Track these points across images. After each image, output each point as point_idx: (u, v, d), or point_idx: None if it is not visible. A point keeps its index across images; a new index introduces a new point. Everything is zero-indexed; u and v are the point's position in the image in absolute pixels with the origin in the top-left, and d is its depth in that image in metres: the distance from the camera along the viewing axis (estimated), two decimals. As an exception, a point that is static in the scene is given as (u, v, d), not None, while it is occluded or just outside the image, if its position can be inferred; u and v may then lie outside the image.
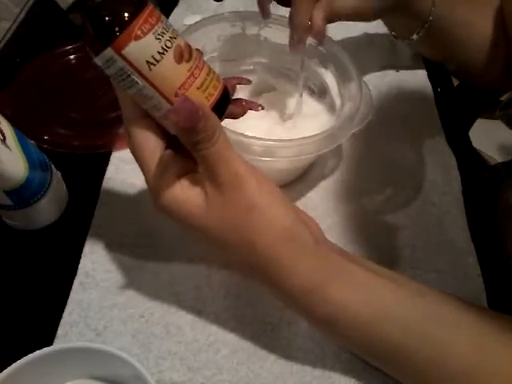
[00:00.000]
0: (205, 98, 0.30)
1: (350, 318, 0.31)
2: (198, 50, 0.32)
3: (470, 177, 0.50)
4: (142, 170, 0.31)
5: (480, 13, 0.51)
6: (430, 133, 0.54)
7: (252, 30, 0.48)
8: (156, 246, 0.42)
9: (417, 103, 0.57)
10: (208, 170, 0.29)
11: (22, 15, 0.63)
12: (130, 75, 0.28)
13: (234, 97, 0.34)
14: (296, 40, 0.42)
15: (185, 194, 0.30)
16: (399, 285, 0.32)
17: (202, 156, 0.29)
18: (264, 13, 0.44)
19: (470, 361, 0.31)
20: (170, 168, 0.30)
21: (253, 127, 0.37)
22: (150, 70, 0.27)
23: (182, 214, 0.30)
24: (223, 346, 0.37)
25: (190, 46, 0.30)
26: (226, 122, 0.33)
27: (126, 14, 0.27)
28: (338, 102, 0.47)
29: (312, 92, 0.50)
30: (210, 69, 0.31)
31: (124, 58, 0.27)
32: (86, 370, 0.33)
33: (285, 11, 0.64)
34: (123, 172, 0.47)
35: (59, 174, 0.44)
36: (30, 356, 0.30)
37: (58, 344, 0.36)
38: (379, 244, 0.44)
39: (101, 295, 0.39)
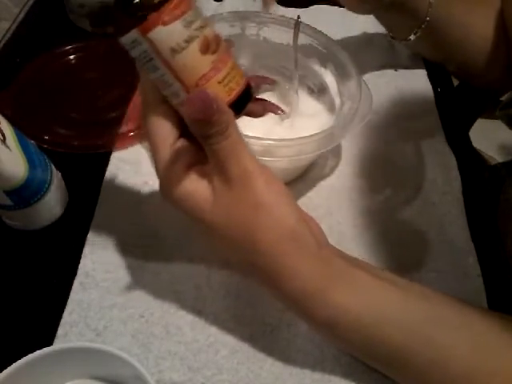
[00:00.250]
0: (225, 93, 0.30)
1: (351, 321, 0.31)
2: (228, 40, 0.32)
3: (470, 177, 0.50)
4: (153, 154, 0.30)
5: (478, 14, 0.51)
6: (430, 133, 0.54)
7: (251, 30, 0.48)
8: (156, 245, 0.42)
9: (417, 103, 0.57)
10: (218, 164, 0.29)
11: (22, 15, 0.63)
12: (152, 59, 0.28)
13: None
14: None
15: (193, 184, 0.30)
16: (400, 287, 0.32)
17: (212, 150, 0.29)
18: (266, 3, 0.45)
19: (470, 363, 0.30)
20: (180, 156, 0.30)
21: (252, 127, 0.37)
22: (173, 57, 0.27)
23: (188, 204, 0.30)
24: (223, 346, 0.37)
25: (219, 39, 0.29)
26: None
27: None
28: (337, 101, 0.47)
29: (311, 91, 0.50)
30: (235, 64, 0.30)
31: (149, 42, 0.27)
32: (85, 370, 0.33)
33: (285, 11, 0.64)
34: (123, 172, 0.47)
35: (59, 174, 0.44)
36: (30, 356, 0.30)
37: (58, 344, 0.36)
38: (379, 244, 0.44)
39: (101, 295, 0.39)
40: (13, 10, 0.63)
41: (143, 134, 0.31)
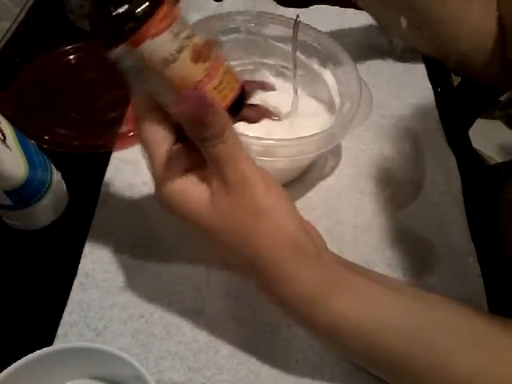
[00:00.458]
0: (220, 99, 0.30)
1: (350, 328, 0.31)
2: (216, 41, 0.32)
3: (470, 177, 0.50)
4: (149, 161, 0.30)
5: (471, 10, 0.51)
6: (430, 133, 0.54)
7: (251, 30, 0.48)
8: (156, 246, 0.42)
9: (417, 103, 0.57)
10: (216, 169, 0.29)
11: (22, 15, 0.63)
12: (143, 71, 0.28)
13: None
14: None
15: (190, 189, 0.30)
16: (399, 293, 0.32)
17: (210, 153, 0.29)
18: None
19: (471, 368, 0.30)
20: (177, 161, 0.30)
21: (252, 127, 0.37)
22: (166, 67, 0.27)
23: (184, 209, 0.30)
24: (223, 347, 0.37)
25: (209, 46, 0.29)
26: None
27: (144, 11, 0.26)
28: (337, 101, 0.47)
29: (311, 91, 0.50)
30: (228, 69, 0.30)
31: (139, 55, 0.27)
32: (86, 370, 0.33)
33: (285, 11, 0.64)
34: (123, 172, 0.47)
35: (59, 174, 0.44)
36: (30, 356, 0.30)
37: (58, 344, 0.36)
38: (379, 244, 0.44)
39: (101, 295, 0.39)
40: (13, 10, 0.63)
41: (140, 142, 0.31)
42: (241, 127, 0.39)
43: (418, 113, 0.56)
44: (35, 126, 0.48)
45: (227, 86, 0.30)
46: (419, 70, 0.61)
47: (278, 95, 0.49)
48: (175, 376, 0.35)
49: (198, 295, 0.39)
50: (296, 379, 0.36)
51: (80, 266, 0.40)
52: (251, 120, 0.34)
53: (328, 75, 0.48)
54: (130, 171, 0.47)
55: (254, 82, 0.34)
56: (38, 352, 0.31)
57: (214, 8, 0.66)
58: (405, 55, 0.62)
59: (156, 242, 0.42)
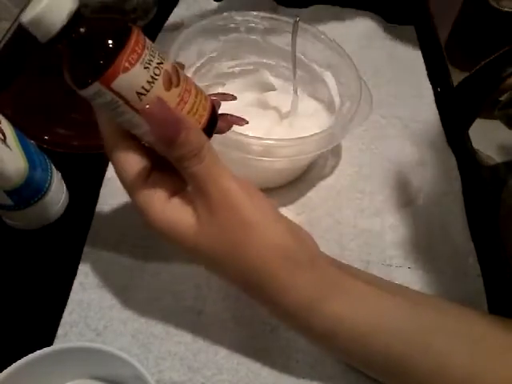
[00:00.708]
0: (196, 121, 0.29)
1: (347, 330, 0.31)
2: (179, 63, 0.32)
3: (470, 177, 0.50)
4: (128, 192, 0.30)
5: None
6: (430, 133, 0.54)
7: (251, 30, 0.48)
8: (156, 246, 0.42)
9: (417, 103, 0.57)
10: (197, 189, 0.29)
11: (22, 15, 0.63)
12: (118, 106, 0.27)
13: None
14: None
15: (175, 215, 0.29)
16: (396, 295, 0.32)
17: (190, 174, 0.28)
18: None
19: (469, 369, 0.30)
20: (158, 189, 0.29)
21: (252, 127, 0.37)
22: (141, 100, 0.27)
23: (173, 235, 0.29)
24: (223, 347, 0.37)
25: (176, 69, 0.28)
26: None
27: (112, 46, 0.25)
28: (337, 101, 0.47)
29: (311, 91, 0.50)
30: (197, 89, 0.30)
31: (113, 91, 0.26)
32: (86, 370, 0.33)
33: (285, 11, 0.64)
34: (123, 172, 0.47)
35: (59, 174, 0.44)
36: (30, 356, 0.30)
37: (58, 344, 0.36)
38: (379, 244, 0.44)
39: (101, 295, 0.39)
40: (13, 10, 0.63)
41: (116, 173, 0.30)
42: (241, 127, 0.39)
43: (418, 113, 0.56)
44: (35, 126, 0.48)
45: (200, 107, 0.29)
46: (419, 70, 0.61)
47: (278, 95, 0.49)
48: (175, 376, 0.35)
49: (198, 295, 0.39)
50: (296, 379, 0.36)
51: (80, 265, 0.40)
52: (222, 131, 0.33)
53: (328, 75, 0.48)
54: (129, 171, 0.47)
55: (217, 94, 0.34)
56: (38, 352, 0.31)
57: (213, 8, 0.66)
58: (407, 58, 0.62)
59: (156, 242, 0.42)
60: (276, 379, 0.36)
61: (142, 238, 0.42)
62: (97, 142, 0.49)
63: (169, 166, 0.29)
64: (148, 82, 0.26)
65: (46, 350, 0.31)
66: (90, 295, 0.39)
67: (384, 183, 0.49)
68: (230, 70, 0.50)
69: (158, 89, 0.27)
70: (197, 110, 0.29)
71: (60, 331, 0.37)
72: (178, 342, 0.37)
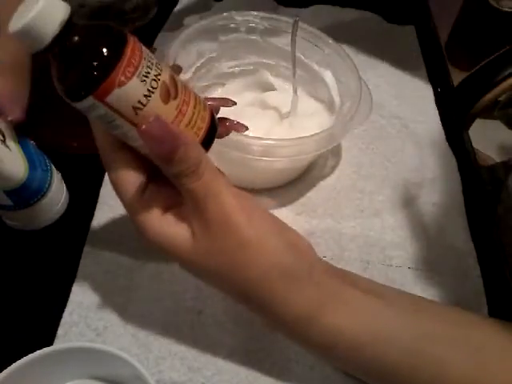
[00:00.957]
0: (194, 134, 0.28)
1: (346, 341, 0.30)
2: (176, 66, 0.31)
3: (470, 177, 0.50)
4: (123, 203, 0.29)
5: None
6: (430, 133, 0.54)
7: (251, 30, 0.48)
8: (156, 246, 0.42)
9: (417, 103, 0.57)
10: (194, 206, 0.28)
11: (22, 15, 0.63)
12: (114, 120, 0.26)
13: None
14: None
15: (170, 230, 0.29)
16: (394, 303, 0.32)
17: (187, 191, 0.27)
18: None
19: (468, 377, 0.30)
20: (152, 203, 0.28)
21: (252, 127, 0.37)
22: (137, 114, 0.25)
23: (169, 250, 0.29)
24: (223, 347, 0.37)
25: (175, 79, 0.27)
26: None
27: (108, 58, 0.24)
28: (337, 101, 0.47)
29: (311, 91, 0.50)
30: (196, 98, 0.28)
31: (107, 106, 0.25)
32: (85, 370, 0.33)
33: (285, 11, 0.64)
34: (123, 172, 0.47)
35: (59, 174, 0.44)
36: (30, 356, 0.30)
37: (58, 344, 0.36)
38: (379, 244, 0.44)
39: (101, 295, 0.39)
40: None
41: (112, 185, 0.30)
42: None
43: (418, 113, 0.56)
44: (36, 127, 0.48)
45: (198, 118, 0.28)
46: (419, 70, 0.61)
47: (278, 95, 0.49)
48: (175, 376, 0.35)
49: (199, 295, 0.39)
50: (295, 380, 0.36)
51: (80, 266, 0.40)
52: (220, 136, 0.32)
53: (328, 75, 0.48)
54: (129, 171, 0.47)
55: (215, 99, 0.33)
56: (37, 352, 0.31)
57: (214, 8, 0.66)
58: (407, 58, 0.62)
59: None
60: (276, 380, 0.36)
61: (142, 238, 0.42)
62: (92, 143, 0.48)
63: (165, 178, 0.28)
64: (145, 95, 0.25)
65: (45, 349, 0.31)
66: (90, 295, 0.39)
67: (384, 183, 0.49)
68: (230, 70, 0.50)
69: (156, 102, 0.26)
70: (195, 122, 0.28)
71: (60, 331, 0.37)
72: (178, 342, 0.37)
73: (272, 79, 0.50)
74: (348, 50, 0.46)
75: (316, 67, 0.49)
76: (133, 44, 0.25)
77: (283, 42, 0.48)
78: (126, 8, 0.61)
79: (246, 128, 0.34)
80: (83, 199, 0.45)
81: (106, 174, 0.45)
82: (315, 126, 0.44)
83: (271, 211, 0.32)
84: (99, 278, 0.40)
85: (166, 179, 0.28)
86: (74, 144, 0.48)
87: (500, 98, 0.70)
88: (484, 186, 0.50)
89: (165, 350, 0.36)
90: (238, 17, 0.47)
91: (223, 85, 0.50)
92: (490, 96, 0.67)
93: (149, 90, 0.25)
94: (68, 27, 0.24)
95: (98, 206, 0.44)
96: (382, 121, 0.54)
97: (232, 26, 0.47)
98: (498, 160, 0.72)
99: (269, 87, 0.50)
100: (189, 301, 0.39)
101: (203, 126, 0.28)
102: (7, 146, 0.36)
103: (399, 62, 0.61)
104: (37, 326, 0.38)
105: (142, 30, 0.62)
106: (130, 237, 0.42)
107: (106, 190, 0.45)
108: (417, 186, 0.49)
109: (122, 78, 0.24)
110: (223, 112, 0.34)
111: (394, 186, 0.49)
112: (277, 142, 0.39)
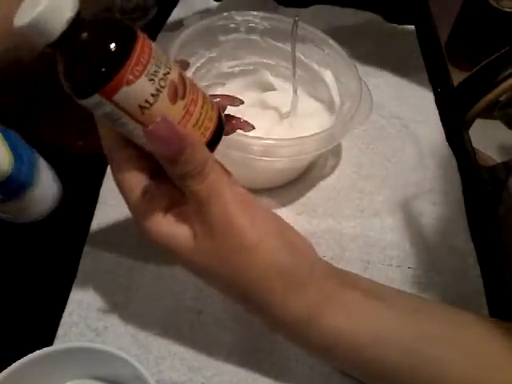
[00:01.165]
0: (201, 134, 0.28)
1: (346, 343, 0.30)
2: (183, 61, 0.31)
3: (470, 177, 0.50)
4: (126, 201, 0.29)
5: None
6: (430, 133, 0.54)
7: (251, 30, 0.48)
8: (156, 246, 0.42)
9: (417, 103, 0.57)
10: (198, 207, 0.28)
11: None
12: (120, 118, 0.25)
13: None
14: None
15: (172, 231, 0.29)
16: (394, 304, 0.32)
17: (191, 193, 0.27)
18: None
19: (468, 378, 0.30)
20: (155, 202, 0.28)
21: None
22: (143, 113, 0.25)
23: (170, 250, 0.29)
24: (223, 347, 0.37)
25: (183, 77, 0.26)
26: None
27: (116, 55, 0.23)
28: (337, 101, 0.47)
29: (311, 91, 0.50)
30: (204, 97, 0.28)
31: (114, 104, 0.24)
32: (85, 370, 0.33)
33: (285, 11, 0.64)
34: (123, 172, 0.47)
35: (53, 170, 0.44)
36: (30, 356, 0.30)
37: (58, 344, 0.36)
38: (379, 244, 0.44)
39: (101, 295, 0.39)
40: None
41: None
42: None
43: (418, 113, 0.56)
44: (35, 126, 0.48)
45: (206, 118, 0.27)
46: (419, 70, 0.61)
47: (278, 95, 0.49)
48: (175, 376, 0.35)
49: (199, 295, 0.39)
50: (295, 378, 0.36)
51: (80, 265, 0.40)
52: (225, 133, 0.31)
53: (328, 75, 0.48)
54: (129, 171, 0.47)
55: (224, 97, 0.32)
56: (37, 352, 0.31)
57: (214, 8, 0.66)
58: (407, 58, 0.62)
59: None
60: (275, 380, 0.36)
61: (142, 238, 0.42)
62: (97, 142, 0.49)
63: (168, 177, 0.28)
64: (152, 95, 0.25)
65: (45, 349, 0.31)
66: (89, 295, 0.39)
67: (384, 183, 0.49)
68: (230, 70, 0.50)
69: (163, 102, 0.25)
70: (202, 122, 0.27)
71: (60, 331, 0.37)
72: (178, 342, 0.37)
73: (272, 79, 0.50)
74: (348, 50, 0.46)
75: (316, 67, 0.49)
76: (142, 41, 0.25)
77: (283, 42, 0.48)
78: (125, 8, 0.61)
79: (253, 127, 0.33)
80: (83, 199, 0.45)
81: (106, 173, 0.46)
82: (315, 126, 0.44)
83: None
84: (99, 277, 0.40)
85: (168, 177, 0.28)
86: (79, 143, 0.48)
87: (500, 98, 0.70)
88: (484, 186, 0.50)
89: (165, 350, 0.36)
90: (238, 17, 0.47)
91: (223, 85, 0.50)
92: (490, 96, 0.67)
93: (157, 90, 0.25)
94: (76, 23, 0.23)
95: (98, 205, 0.44)
96: (382, 121, 0.54)
97: (232, 25, 0.47)
98: (498, 160, 0.72)
99: (269, 87, 0.50)
100: (189, 300, 0.39)
101: (210, 125, 0.28)
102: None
103: (399, 61, 0.61)
104: (37, 325, 0.38)
105: (142, 30, 0.62)
106: (130, 236, 0.42)
107: (106, 190, 0.45)
108: (417, 186, 0.49)
109: (130, 77, 0.24)
110: (227, 109, 0.33)
111: (394, 186, 0.49)
112: (277, 141, 0.39)
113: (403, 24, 0.67)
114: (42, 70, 0.54)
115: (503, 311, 0.40)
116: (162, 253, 0.30)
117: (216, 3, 0.66)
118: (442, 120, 0.55)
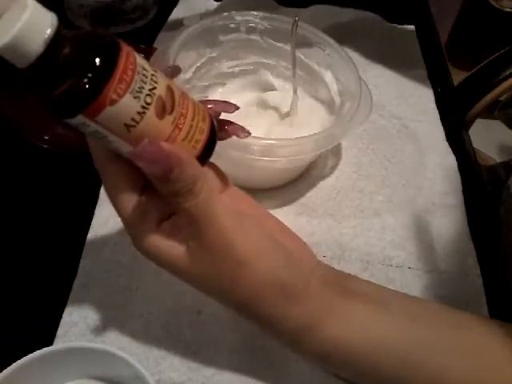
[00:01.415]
0: (192, 148, 0.27)
1: (343, 352, 0.31)
2: (174, 67, 0.30)
3: (470, 177, 0.50)
4: (119, 214, 0.29)
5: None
6: (430, 133, 0.54)
7: (251, 30, 0.48)
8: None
9: (417, 103, 0.57)
10: (190, 225, 0.27)
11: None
12: (106, 136, 0.24)
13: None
14: None
15: (165, 242, 0.28)
16: (393, 311, 0.32)
17: (183, 210, 0.27)
18: None
19: (471, 381, 0.30)
20: (147, 214, 0.28)
21: (252, 127, 0.37)
22: (129, 132, 0.24)
23: (163, 262, 0.29)
24: (223, 346, 0.37)
25: (172, 91, 0.25)
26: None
27: (98, 74, 0.22)
28: (337, 101, 0.47)
29: (311, 91, 0.50)
30: (194, 108, 0.27)
31: (98, 124, 0.23)
32: (85, 370, 0.33)
33: (285, 11, 0.64)
34: (123, 172, 0.47)
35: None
36: (30, 356, 0.30)
37: (58, 344, 0.36)
38: (379, 244, 0.44)
39: (101, 295, 0.39)
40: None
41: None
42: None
43: (418, 113, 0.56)
44: (35, 126, 0.48)
45: (196, 131, 0.26)
46: (419, 70, 0.61)
47: (278, 95, 0.49)
48: (175, 376, 0.35)
49: (198, 295, 0.39)
50: (296, 378, 0.36)
51: (80, 265, 0.40)
52: (220, 139, 0.30)
53: (328, 75, 0.48)
54: (129, 171, 0.47)
55: (219, 102, 0.31)
56: (37, 352, 0.31)
57: (214, 8, 0.66)
58: (407, 58, 0.62)
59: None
60: (275, 380, 0.36)
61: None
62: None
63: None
64: (138, 112, 0.23)
65: (45, 349, 0.31)
66: (90, 295, 0.39)
67: (384, 183, 0.49)
68: (230, 70, 0.50)
69: (150, 119, 0.24)
70: (193, 135, 0.26)
71: (60, 331, 0.37)
72: (178, 342, 0.37)
73: (272, 79, 0.50)
74: (348, 50, 0.47)
75: (316, 67, 0.49)
76: (125, 57, 0.23)
77: (283, 42, 0.48)
78: (125, 8, 0.61)
79: (249, 133, 0.32)
80: (83, 199, 0.45)
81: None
82: (315, 126, 0.44)
83: (271, 211, 0.33)
84: (99, 277, 0.40)
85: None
86: (74, 144, 0.48)
87: (500, 98, 0.70)
88: (484, 186, 0.50)
89: (165, 350, 0.36)
90: (238, 17, 0.47)
91: (223, 85, 0.50)
92: (490, 96, 0.67)
93: (143, 107, 0.24)
94: (55, 41, 0.22)
95: (98, 205, 0.44)
96: (381, 121, 0.54)
97: (232, 25, 0.47)
98: (498, 160, 0.72)
99: (269, 87, 0.50)
100: (189, 301, 0.39)
101: (201, 138, 0.27)
102: None
103: (399, 61, 0.61)
104: (37, 326, 0.38)
105: (142, 30, 0.62)
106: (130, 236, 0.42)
107: (106, 190, 0.45)
108: (417, 185, 0.49)
109: (114, 96, 0.22)
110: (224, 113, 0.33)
111: (394, 186, 0.49)
112: (277, 141, 0.39)
113: (403, 24, 0.67)
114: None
115: (503, 311, 0.40)
116: (157, 266, 0.30)
117: (216, 3, 0.66)
118: (442, 120, 0.55)
